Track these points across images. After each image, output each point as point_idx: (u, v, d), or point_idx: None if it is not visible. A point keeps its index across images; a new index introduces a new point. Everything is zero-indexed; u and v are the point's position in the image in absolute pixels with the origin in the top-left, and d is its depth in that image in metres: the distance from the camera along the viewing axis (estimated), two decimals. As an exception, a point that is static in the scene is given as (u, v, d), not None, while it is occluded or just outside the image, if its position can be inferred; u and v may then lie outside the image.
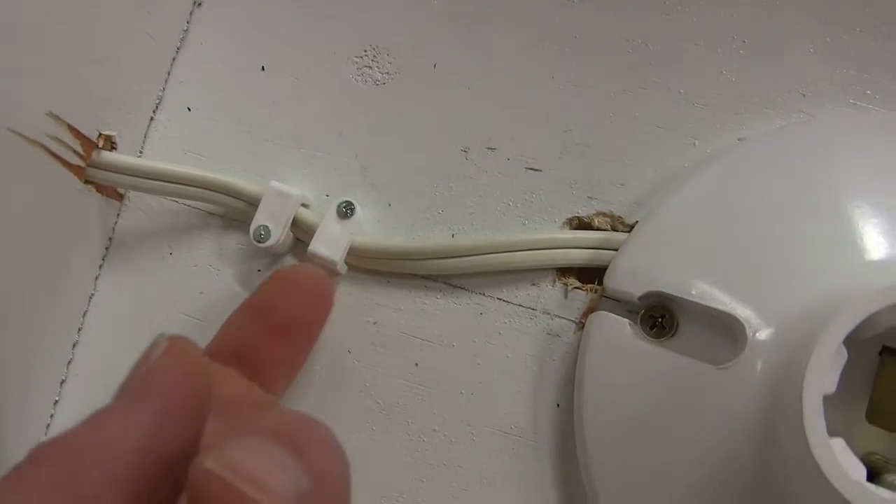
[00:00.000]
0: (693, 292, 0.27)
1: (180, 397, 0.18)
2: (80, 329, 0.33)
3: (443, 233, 0.32)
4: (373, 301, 0.32)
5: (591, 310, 0.30)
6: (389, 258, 0.31)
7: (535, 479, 0.30)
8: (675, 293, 0.27)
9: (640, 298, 0.28)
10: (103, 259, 0.34)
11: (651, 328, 0.28)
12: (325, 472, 0.18)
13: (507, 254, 0.30)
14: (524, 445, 0.30)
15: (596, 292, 0.30)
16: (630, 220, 0.30)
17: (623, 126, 0.31)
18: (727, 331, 0.27)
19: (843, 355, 0.23)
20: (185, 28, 0.35)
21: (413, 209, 0.32)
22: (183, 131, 0.34)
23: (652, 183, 0.31)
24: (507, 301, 0.31)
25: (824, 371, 0.22)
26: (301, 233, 0.32)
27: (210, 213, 0.33)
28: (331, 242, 0.31)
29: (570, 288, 0.31)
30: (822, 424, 0.22)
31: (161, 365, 0.19)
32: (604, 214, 0.31)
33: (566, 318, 0.31)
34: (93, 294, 0.34)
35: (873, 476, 0.24)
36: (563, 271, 0.31)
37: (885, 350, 0.26)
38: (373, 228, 0.32)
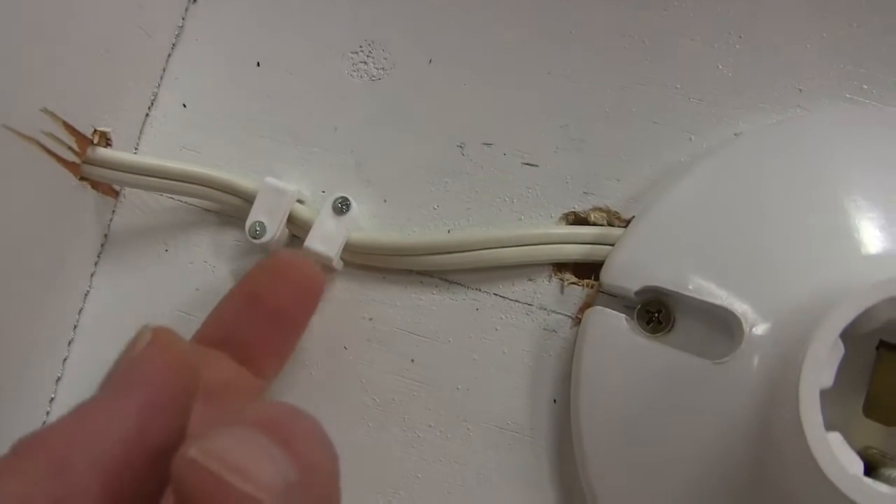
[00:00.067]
0: (689, 287, 0.27)
1: (165, 388, 0.18)
2: (75, 326, 0.33)
3: (439, 228, 0.32)
4: (368, 297, 0.32)
5: (587, 305, 0.30)
6: (385, 254, 0.31)
7: (532, 474, 0.30)
8: (671, 288, 0.27)
9: (637, 293, 0.28)
10: (99, 256, 0.34)
11: (647, 323, 0.28)
12: (313, 464, 0.17)
13: (504, 249, 0.30)
14: (520, 441, 0.30)
15: (592, 287, 0.30)
16: (626, 216, 0.30)
17: (619, 121, 0.31)
18: (724, 325, 0.27)
19: (840, 349, 0.23)
20: (181, 24, 0.35)
21: (409, 205, 0.32)
22: (178, 127, 0.34)
23: (648, 178, 0.31)
24: (503, 296, 0.31)
25: (821, 365, 0.22)
26: (297, 229, 0.32)
27: (206, 210, 0.33)
28: (326, 238, 0.31)
29: (566, 283, 0.31)
30: (819, 419, 0.22)
31: (145, 356, 0.19)
32: (600, 209, 0.31)
33: (562, 314, 0.30)
34: (88, 291, 0.34)
35: (870, 470, 0.24)
36: (560, 266, 0.31)
37: (882, 344, 0.26)
38: (368, 224, 0.32)
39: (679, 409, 0.26)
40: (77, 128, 0.31)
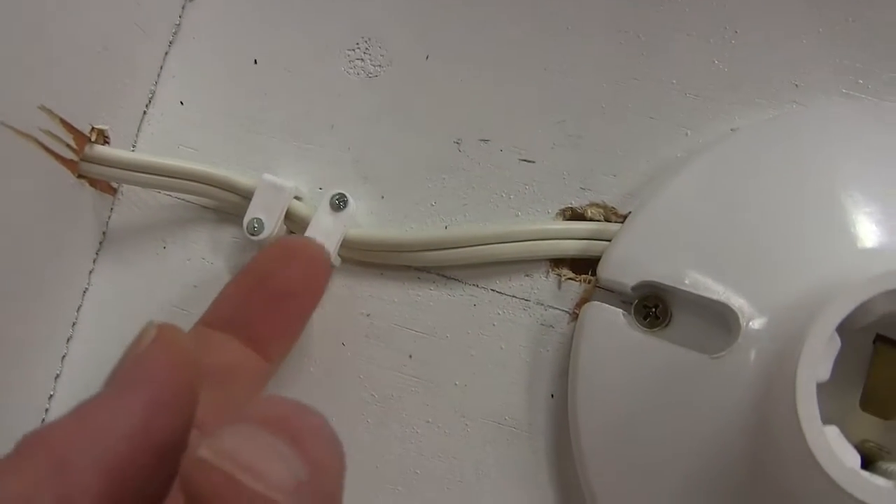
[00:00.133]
0: (686, 282, 0.27)
1: (170, 385, 0.18)
2: (74, 323, 0.33)
3: (436, 224, 0.32)
4: (366, 293, 0.32)
5: (584, 300, 0.30)
6: (383, 250, 0.31)
7: (530, 469, 0.30)
8: (668, 283, 0.27)
9: (634, 289, 0.28)
10: (97, 253, 0.34)
11: (644, 318, 0.28)
12: (322, 462, 0.17)
13: (501, 245, 0.30)
14: (518, 436, 0.30)
15: (589, 283, 0.30)
16: (623, 211, 0.30)
17: (616, 117, 0.31)
18: (721, 320, 0.27)
19: (837, 343, 0.23)
20: (178, 22, 0.35)
21: (406, 201, 0.32)
22: (176, 125, 0.34)
23: (644, 173, 0.31)
24: (500, 292, 0.31)
25: (818, 359, 0.22)
26: (294, 225, 0.32)
27: (204, 207, 0.33)
28: (324, 235, 0.31)
29: (563, 279, 0.31)
30: (816, 412, 0.22)
31: (150, 353, 0.19)
32: (597, 205, 0.31)
33: (560, 309, 0.31)
34: (87, 288, 0.34)
35: (867, 464, 0.24)
36: (557, 262, 0.31)
37: (879, 338, 0.26)
38: (366, 220, 0.32)
39: (676, 403, 0.27)
40: (75, 125, 0.31)
